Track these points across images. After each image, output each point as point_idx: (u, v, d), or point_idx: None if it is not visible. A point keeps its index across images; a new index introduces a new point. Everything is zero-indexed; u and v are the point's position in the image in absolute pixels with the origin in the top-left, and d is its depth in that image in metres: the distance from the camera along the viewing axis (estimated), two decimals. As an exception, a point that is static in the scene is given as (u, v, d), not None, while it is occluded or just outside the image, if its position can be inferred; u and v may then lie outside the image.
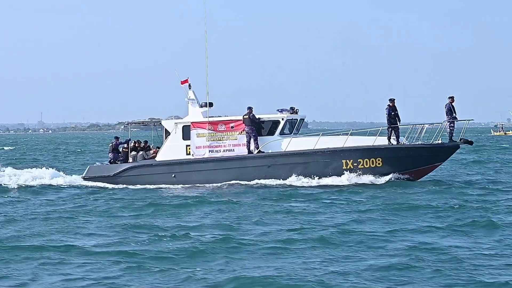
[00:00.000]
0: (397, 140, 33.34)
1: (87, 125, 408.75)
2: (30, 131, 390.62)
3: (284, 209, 25.00)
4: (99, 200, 29.19)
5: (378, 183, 32.11)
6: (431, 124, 34.27)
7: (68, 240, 19.45)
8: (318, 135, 34.29)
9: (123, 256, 17.10)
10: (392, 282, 14.39)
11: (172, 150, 34.74)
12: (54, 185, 34.84)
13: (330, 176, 32.89)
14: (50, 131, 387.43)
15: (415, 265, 15.55)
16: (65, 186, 34.60)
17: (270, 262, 16.27)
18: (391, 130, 33.31)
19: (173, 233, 20.14)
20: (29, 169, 39.14)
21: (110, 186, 34.28)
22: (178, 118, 36.32)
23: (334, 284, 14.17)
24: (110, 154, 36.69)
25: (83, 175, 36.07)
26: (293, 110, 35.02)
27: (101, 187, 34.06)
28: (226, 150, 34.35)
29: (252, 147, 33.99)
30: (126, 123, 39.33)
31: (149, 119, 38.23)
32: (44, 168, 38.41)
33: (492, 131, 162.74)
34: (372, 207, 25.03)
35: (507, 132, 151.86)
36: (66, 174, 37.58)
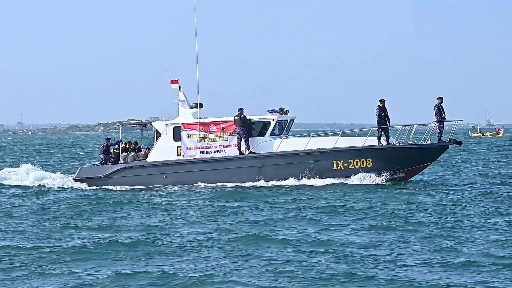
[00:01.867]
0: (387, 141, 33.68)
1: (66, 126, 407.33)
2: (9, 132, 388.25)
3: (218, 209, 25.65)
4: (44, 199, 29.74)
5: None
6: (421, 124, 34.61)
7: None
8: (309, 135, 34.56)
9: (30, 252, 17.76)
10: (277, 277, 14.97)
11: (163, 151, 34.87)
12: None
13: (322, 176, 33.17)
14: (29, 132, 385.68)
15: (308, 261, 16.25)
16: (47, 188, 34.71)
17: (173, 261, 16.78)
18: (381, 131, 33.66)
19: (92, 232, 20.92)
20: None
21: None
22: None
23: (220, 280, 14.68)
24: (101, 155, 36.79)
25: (74, 176, 36.07)
26: (283, 111, 35.22)
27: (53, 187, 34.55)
28: (217, 151, 34.49)
29: (243, 148, 34.16)
30: (117, 124, 39.42)
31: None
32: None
33: (470, 132, 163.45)
34: (301, 206, 25.73)
35: (484, 134, 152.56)
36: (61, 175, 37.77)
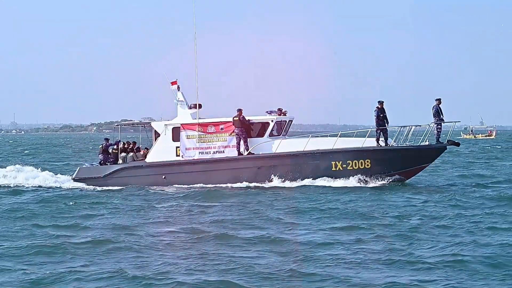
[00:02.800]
0: (386, 142, 33.84)
1: (59, 126, 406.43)
2: (2, 131, 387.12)
3: (188, 209, 25.94)
4: (21, 198, 30.01)
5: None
6: (419, 125, 34.78)
7: None
8: (308, 136, 34.69)
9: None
10: (225, 274, 15.27)
11: (162, 151, 34.92)
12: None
13: (319, 177, 33.29)
14: (22, 132, 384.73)
15: (260, 259, 16.63)
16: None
17: (129, 258, 17.03)
18: (380, 132, 33.82)
19: (57, 230, 21.17)
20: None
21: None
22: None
23: (169, 277, 14.95)
24: (100, 155, 36.84)
25: (73, 176, 36.09)
26: (281, 112, 35.33)
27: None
28: (216, 151, 34.57)
29: (242, 148, 34.26)
30: (116, 124, 39.45)
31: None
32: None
33: (462, 133, 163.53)
34: (272, 206, 26.04)
35: (476, 135, 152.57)
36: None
